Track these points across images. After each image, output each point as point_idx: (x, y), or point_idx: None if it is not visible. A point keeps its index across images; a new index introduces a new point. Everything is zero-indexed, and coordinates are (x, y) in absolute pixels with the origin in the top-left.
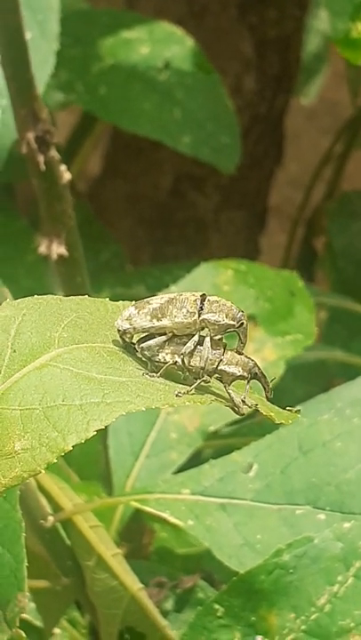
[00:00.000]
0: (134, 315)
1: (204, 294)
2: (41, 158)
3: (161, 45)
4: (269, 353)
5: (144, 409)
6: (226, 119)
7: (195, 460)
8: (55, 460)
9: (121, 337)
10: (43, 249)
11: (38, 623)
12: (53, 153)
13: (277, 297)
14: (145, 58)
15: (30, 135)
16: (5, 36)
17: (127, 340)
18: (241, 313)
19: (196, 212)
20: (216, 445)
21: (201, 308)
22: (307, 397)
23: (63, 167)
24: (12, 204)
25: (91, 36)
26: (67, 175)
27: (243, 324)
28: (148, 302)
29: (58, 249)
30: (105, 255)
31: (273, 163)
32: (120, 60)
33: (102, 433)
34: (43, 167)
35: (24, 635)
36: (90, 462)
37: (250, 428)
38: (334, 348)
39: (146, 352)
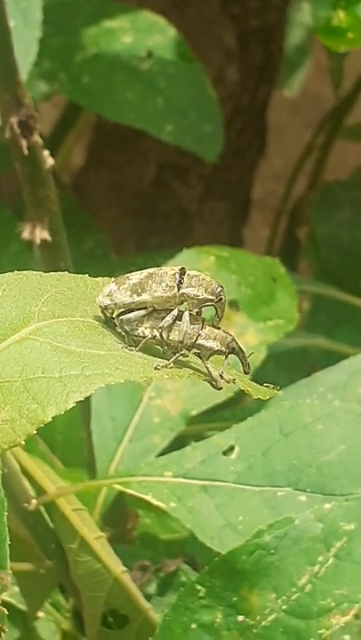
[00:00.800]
0: (115, 291)
1: (183, 268)
2: (24, 143)
3: (143, 34)
4: (251, 338)
5: (123, 381)
6: (208, 108)
7: (177, 445)
8: (35, 432)
9: (102, 312)
10: (26, 234)
11: (22, 607)
12: (36, 138)
13: (259, 283)
14: (128, 47)
15: (14, 120)
16: None
17: (108, 315)
18: (220, 288)
19: (179, 202)
20: (198, 430)
21: (180, 282)
22: (289, 385)
23: (46, 152)
24: None
25: (73, 25)
26: (50, 160)
27: (221, 299)
28: (127, 278)
29: (41, 234)
30: (89, 244)
31: (256, 153)
32: (103, 50)
33: (85, 418)
34: (26, 152)
35: (6, 611)
36: (74, 449)
37: (232, 413)
38: (317, 335)
39: (125, 326)
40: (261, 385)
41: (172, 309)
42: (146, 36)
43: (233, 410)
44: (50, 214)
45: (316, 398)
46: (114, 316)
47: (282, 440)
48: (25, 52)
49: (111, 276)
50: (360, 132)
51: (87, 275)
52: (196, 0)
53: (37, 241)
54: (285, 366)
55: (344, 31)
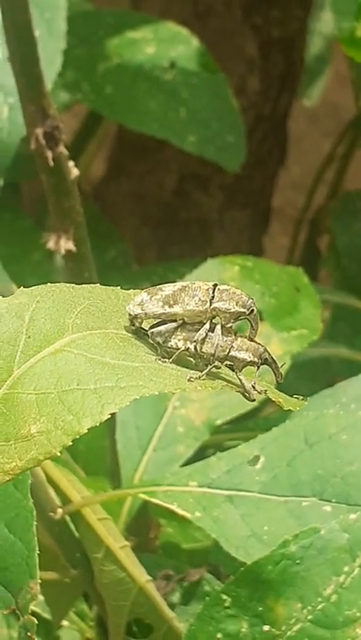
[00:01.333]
0: (146, 300)
1: (215, 284)
2: (49, 154)
3: (166, 45)
4: (275, 348)
5: (157, 393)
6: (231, 118)
7: (202, 455)
8: (70, 443)
9: (131, 321)
10: (51, 244)
11: (47, 615)
12: (62, 149)
13: (283, 292)
14: (150, 57)
15: (39, 131)
16: (15, 33)
17: (137, 324)
18: (251, 300)
19: (200, 211)
20: (222, 439)
21: (212, 297)
22: (311, 395)
23: (71, 163)
24: (17, 204)
25: (97, 36)
26: (75, 171)
27: (253, 310)
28: (160, 289)
29: (66, 244)
30: (111, 253)
31: (277, 162)
32: (126, 60)
33: (110, 427)
34: (51, 163)
35: (36, 621)
36: (96, 458)
37: (256, 422)
38: (338, 345)
39: (157, 338)
40: (291, 396)
41: (202, 322)
42: (169, 47)
43: (256, 420)
44: (75, 225)
45: (339, 408)
46: (142, 325)
47: (307, 450)
48: (49, 62)
49: (133, 286)
50: None
51: (111, 285)
52: (218, 10)
53: (62, 251)
54: (307, 376)
55: None
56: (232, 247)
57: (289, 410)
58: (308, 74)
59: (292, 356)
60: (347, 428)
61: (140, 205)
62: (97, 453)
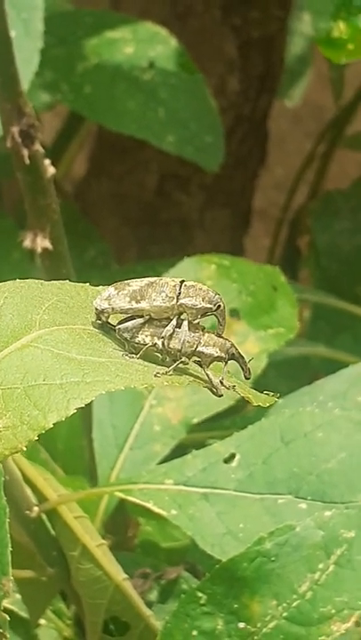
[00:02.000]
0: (113, 295)
1: (183, 280)
2: (25, 152)
3: (145, 45)
4: (252, 346)
5: (123, 388)
6: (209, 118)
7: (179, 453)
8: (36, 438)
9: (98, 316)
10: (27, 243)
11: (24, 614)
12: (38, 147)
13: (260, 291)
14: (129, 57)
15: (15, 129)
16: None
17: (103, 319)
18: (218, 296)
19: (180, 211)
20: (200, 438)
21: (179, 293)
22: (290, 393)
23: (47, 161)
24: None
25: (75, 36)
26: (51, 169)
27: (220, 306)
28: (127, 284)
29: (42, 242)
30: (90, 253)
31: (257, 163)
32: (104, 60)
33: (87, 426)
34: (27, 161)
35: (8, 618)
36: (75, 457)
37: (233, 421)
38: (318, 344)
39: (124, 334)
40: (262, 393)
41: (171, 319)
42: (147, 47)
43: (234, 418)
44: (51, 223)
45: (316, 406)
46: (110, 321)
47: (282, 448)
48: (26, 62)
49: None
50: (360, 142)
51: (88, 283)
52: (197, 11)
53: (39, 249)
54: (287, 375)
55: (345, 42)
56: (213, 247)
57: (266, 408)
58: (289, 74)
59: (269, 354)
60: (322, 425)
61: (121, 205)
62: (75, 453)
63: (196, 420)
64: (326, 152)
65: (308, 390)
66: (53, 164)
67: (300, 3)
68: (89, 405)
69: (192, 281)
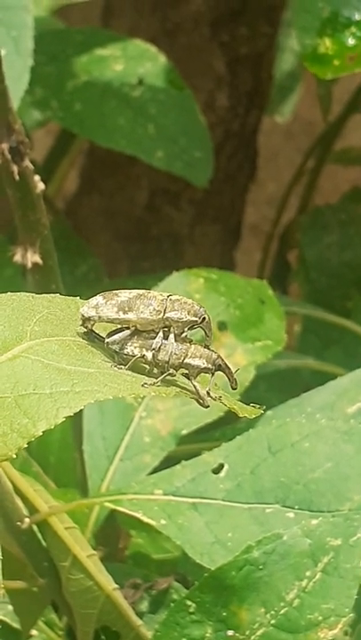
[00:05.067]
0: (101, 304)
1: (169, 294)
2: (15, 168)
3: (134, 62)
4: (240, 359)
5: (111, 397)
6: (198, 134)
7: (170, 465)
8: (25, 445)
9: (83, 323)
10: (18, 257)
11: (16, 625)
12: (27, 163)
13: (248, 304)
14: (119, 75)
15: (5, 146)
16: None
17: (89, 327)
18: (202, 309)
19: (171, 226)
20: (190, 450)
21: (166, 307)
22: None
23: (37, 177)
24: None
25: (65, 53)
26: (40, 185)
27: (205, 319)
28: (116, 294)
29: (32, 257)
30: (82, 269)
31: (247, 178)
32: (94, 77)
33: (77, 439)
34: (17, 177)
35: None
36: (67, 470)
37: (223, 432)
38: (308, 357)
39: (112, 346)
40: (248, 405)
41: (156, 331)
42: (137, 64)
43: (224, 430)
44: (41, 238)
45: (304, 418)
46: (94, 329)
47: (270, 458)
48: (17, 79)
49: None
50: (349, 157)
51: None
52: (186, 28)
53: (29, 264)
54: (278, 387)
55: (330, 58)
56: (203, 262)
57: (255, 420)
58: (279, 90)
59: (258, 366)
60: (309, 435)
61: (112, 221)
62: (67, 465)
63: (185, 432)
64: (315, 167)
65: (297, 402)
66: (45, 181)
67: (289, 19)
68: (80, 417)
69: (178, 295)
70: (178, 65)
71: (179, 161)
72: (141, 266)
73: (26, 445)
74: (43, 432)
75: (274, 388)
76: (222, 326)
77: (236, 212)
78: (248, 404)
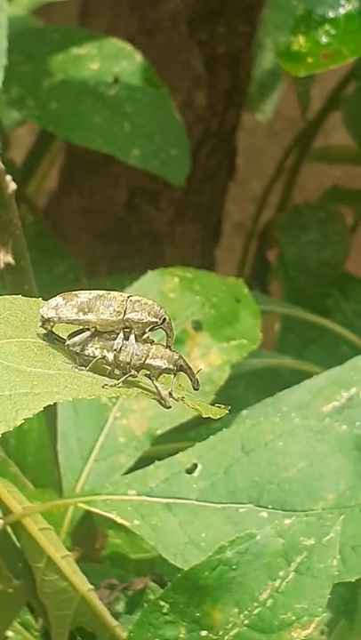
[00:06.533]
0: (61, 305)
1: (129, 295)
2: None
3: (110, 61)
4: (215, 357)
5: (71, 399)
6: (175, 132)
7: (145, 465)
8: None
9: (43, 324)
10: None
11: None
12: None
13: (223, 303)
14: (95, 73)
15: None
16: None
17: (48, 328)
18: (162, 310)
19: (150, 225)
20: (166, 450)
21: (126, 308)
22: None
23: (8, 177)
24: None
25: (41, 52)
26: (12, 185)
27: (165, 319)
28: (75, 295)
29: (4, 257)
30: (60, 268)
31: (226, 176)
32: (70, 76)
33: (52, 439)
34: None
35: None
36: (44, 471)
37: (198, 432)
38: (287, 356)
39: (73, 347)
40: (229, 405)
41: (116, 332)
42: (113, 63)
43: (199, 429)
44: (13, 238)
45: (279, 417)
46: (53, 330)
47: (244, 457)
48: None
49: None
50: (330, 155)
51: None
52: (164, 27)
53: (1, 264)
54: (257, 386)
55: (304, 56)
56: (183, 261)
57: (231, 420)
58: (260, 88)
59: (234, 365)
60: (283, 435)
61: (92, 220)
62: (45, 466)
63: (159, 432)
64: (294, 165)
65: (273, 401)
66: (26, 180)
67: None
68: (54, 418)
69: (138, 295)
70: (156, 64)
71: (155, 159)
72: (121, 265)
73: None
74: (2, 434)
75: (253, 386)
76: (197, 325)
77: (216, 211)
78: (225, 404)
